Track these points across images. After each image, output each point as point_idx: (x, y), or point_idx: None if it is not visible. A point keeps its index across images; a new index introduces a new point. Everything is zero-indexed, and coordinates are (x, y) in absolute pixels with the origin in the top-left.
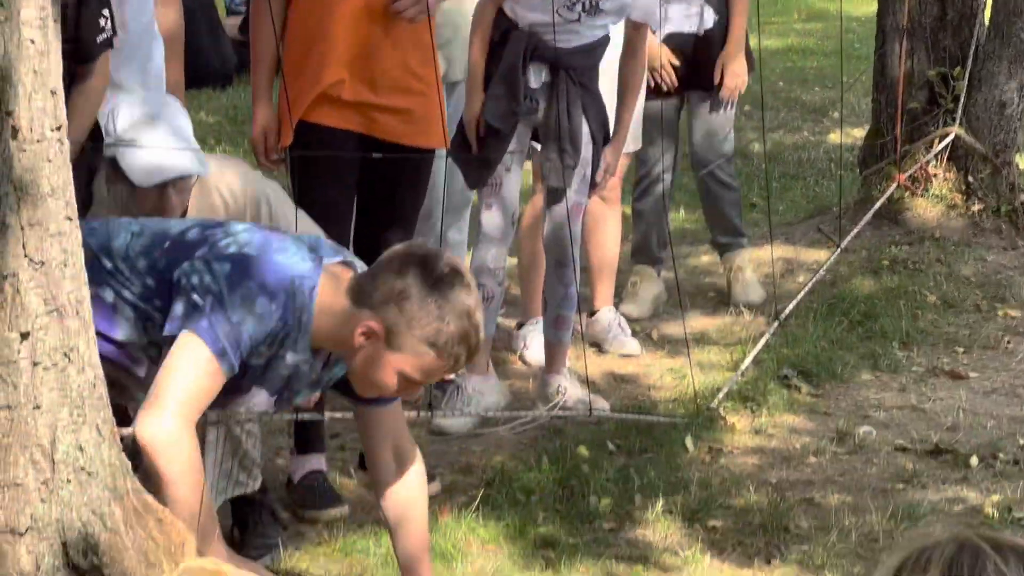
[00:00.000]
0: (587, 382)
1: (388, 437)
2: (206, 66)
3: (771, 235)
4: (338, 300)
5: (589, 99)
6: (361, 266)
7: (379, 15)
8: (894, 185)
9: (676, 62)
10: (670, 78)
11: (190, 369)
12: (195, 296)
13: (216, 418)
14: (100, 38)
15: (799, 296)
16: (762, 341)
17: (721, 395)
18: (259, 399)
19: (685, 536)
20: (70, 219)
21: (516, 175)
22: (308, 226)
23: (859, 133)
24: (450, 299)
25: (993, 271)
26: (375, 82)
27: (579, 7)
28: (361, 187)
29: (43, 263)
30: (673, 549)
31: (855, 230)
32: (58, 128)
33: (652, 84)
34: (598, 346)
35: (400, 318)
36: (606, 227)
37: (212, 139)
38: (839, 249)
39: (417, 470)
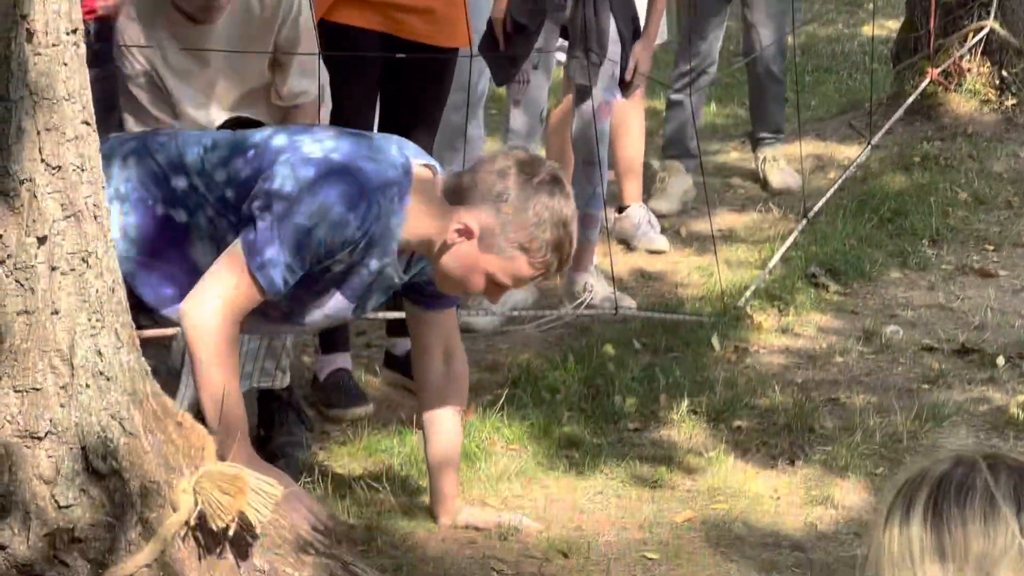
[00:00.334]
0: (613, 280)
1: (441, 340)
2: None
3: (800, 131)
4: (430, 200)
5: None
6: (438, 166)
7: None
8: (927, 80)
9: None
10: None
11: (231, 277)
12: (269, 201)
13: None
14: None
15: (828, 194)
16: (790, 239)
17: (748, 294)
18: (338, 304)
19: (709, 437)
20: (87, 123)
21: (544, 72)
22: None
23: (894, 25)
24: (548, 206)
25: None
26: None
27: None
28: (384, 86)
29: (60, 168)
30: (697, 450)
31: (886, 126)
32: (74, 31)
33: None
34: (626, 243)
35: (496, 219)
36: (630, 124)
37: None
38: (868, 145)
39: (463, 376)
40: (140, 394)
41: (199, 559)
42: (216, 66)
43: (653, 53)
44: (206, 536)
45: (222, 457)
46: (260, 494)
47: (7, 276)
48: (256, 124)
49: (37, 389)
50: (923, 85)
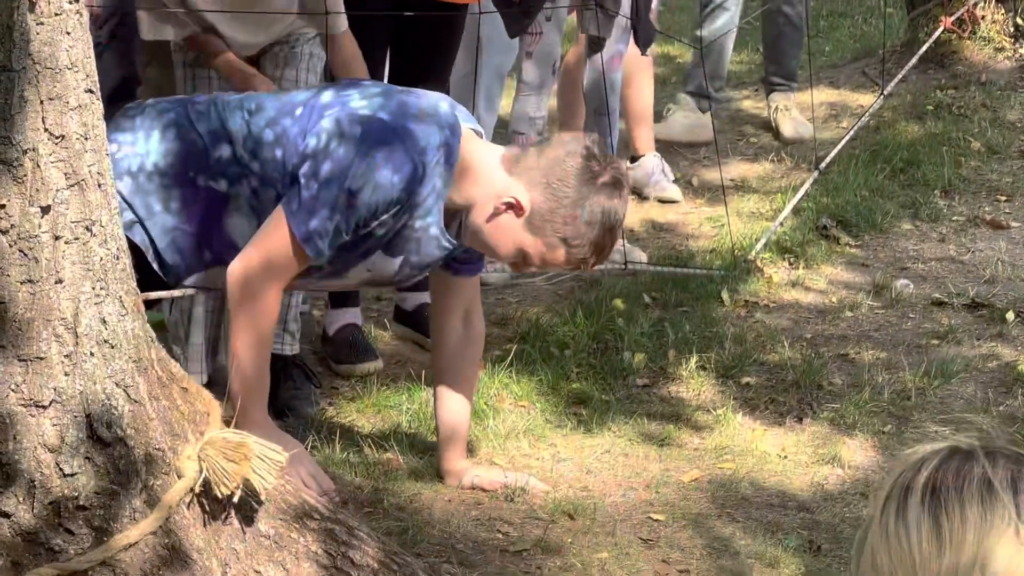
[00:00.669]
0: (623, 233)
1: (462, 303)
2: None
3: (811, 81)
4: (478, 163)
5: None
6: (478, 126)
7: None
8: (940, 29)
9: None
10: None
11: (277, 245)
12: (316, 164)
13: None
14: None
15: (840, 144)
16: (802, 190)
17: (759, 246)
18: (382, 261)
19: (718, 393)
20: (91, 91)
21: (556, 25)
22: None
23: None
24: (603, 208)
25: None
26: None
27: None
28: (394, 42)
29: (63, 137)
30: (705, 407)
31: (899, 75)
32: (76, 0)
33: None
34: (638, 193)
35: (549, 205)
36: (641, 74)
37: None
38: (881, 95)
39: (480, 339)
40: (145, 361)
41: (204, 525)
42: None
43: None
44: (211, 502)
45: (228, 422)
46: (265, 461)
47: (10, 246)
48: None
49: (41, 358)
50: (936, 33)
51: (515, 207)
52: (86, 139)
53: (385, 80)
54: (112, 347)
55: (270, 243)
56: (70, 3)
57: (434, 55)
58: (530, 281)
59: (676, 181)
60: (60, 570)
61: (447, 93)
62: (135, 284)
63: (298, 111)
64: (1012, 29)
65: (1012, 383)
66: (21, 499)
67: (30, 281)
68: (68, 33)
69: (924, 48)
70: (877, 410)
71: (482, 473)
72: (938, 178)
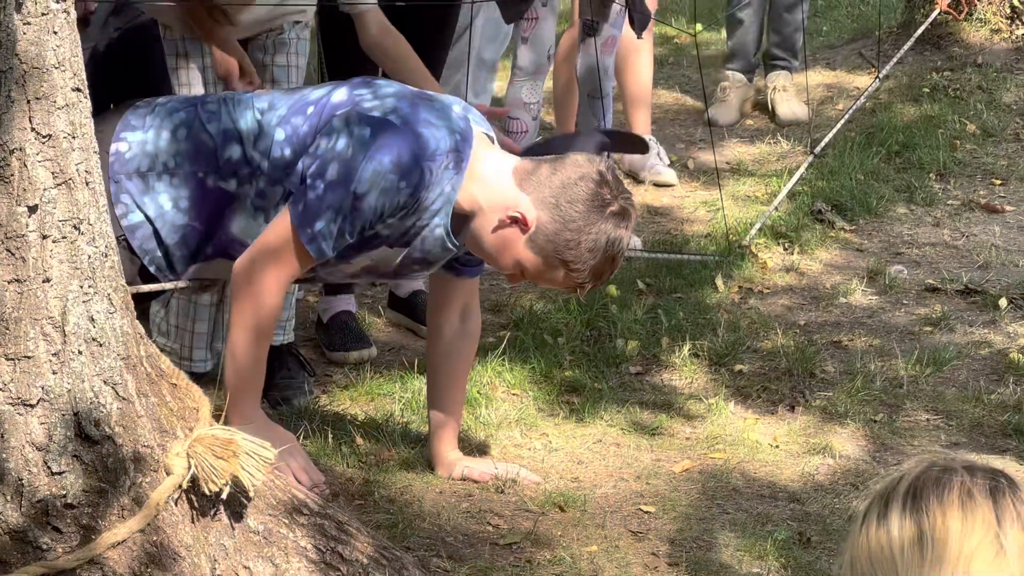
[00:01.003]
0: None
1: (461, 298)
2: None
3: (806, 63)
4: (498, 172)
5: None
6: (491, 131)
7: None
8: (936, 11)
9: None
10: None
11: (282, 245)
12: (324, 165)
13: None
14: None
15: (835, 128)
16: (797, 175)
17: (754, 231)
18: (387, 254)
19: (711, 381)
20: (78, 90)
21: (551, 10)
22: None
23: None
24: (608, 237)
25: None
26: None
27: None
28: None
29: (50, 136)
30: (698, 396)
31: (895, 58)
32: None
33: None
34: (634, 177)
35: (553, 225)
36: (639, 58)
37: None
38: (877, 79)
39: (476, 334)
40: (134, 358)
41: (192, 522)
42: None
43: None
44: (200, 498)
45: (218, 417)
46: (254, 457)
47: None
48: None
49: (29, 357)
50: (933, 15)
51: (520, 222)
52: (73, 138)
53: (380, 72)
54: (100, 345)
55: (276, 242)
56: (57, 2)
57: (427, 45)
58: None
59: (672, 164)
60: (48, 568)
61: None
62: (124, 281)
63: (309, 110)
64: (1008, 11)
65: (1004, 371)
66: (9, 498)
67: (17, 280)
68: (55, 32)
69: (920, 30)
70: (869, 399)
71: (472, 464)
72: (933, 161)
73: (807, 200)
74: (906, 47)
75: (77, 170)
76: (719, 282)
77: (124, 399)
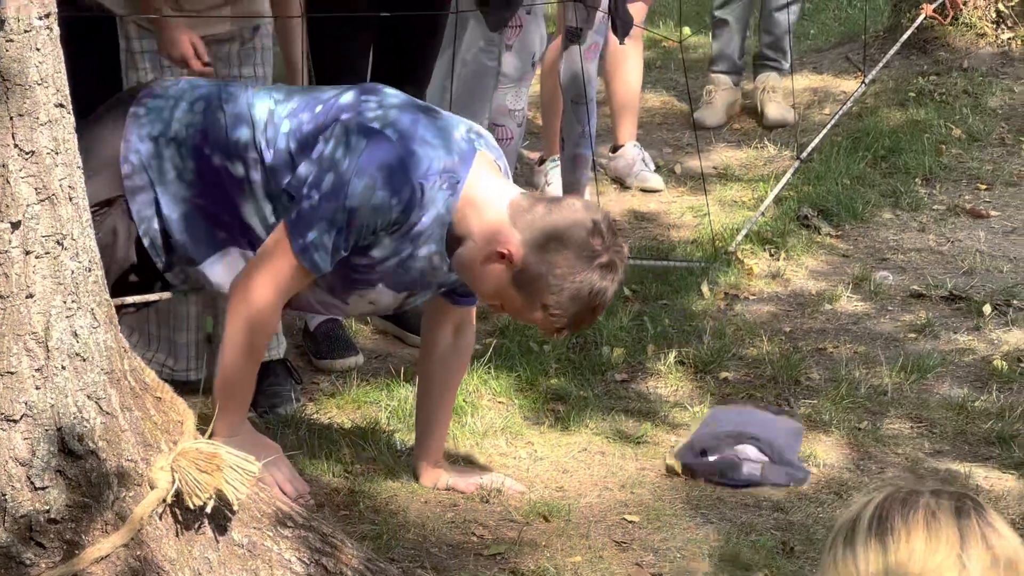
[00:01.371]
0: None
1: (456, 316)
2: None
3: (792, 69)
4: (494, 204)
5: None
6: (502, 159)
7: None
8: (922, 16)
9: None
10: None
11: (278, 258)
12: (320, 176)
13: None
14: None
15: (822, 133)
16: (783, 180)
17: (740, 237)
18: (385, 298)
19: (696, 389)
20: (61, 106)
21: (537, 17)
22: None
23: None
24: (592, 287)
25: (1020, 103)
26: None
27: None
28: (377, 41)
29: (33, 152)
30: (683, 403)
31: (882, 62)
32: (47, 15)
33: None
34: (620, 183)
35: (538, 268)
36: (628, 64)
37: None
38: (863, 84)
39: (468, 349)
40: (118, 372)
41: (176, 535)
42: None
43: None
44: (184, 512)
45: (203, 431)
46: (238, 471)
47: None
48: None
49: (12, 372)
50: (919, 20)
51: (508, 259)
52: (57, 154)
53: (367, 78)
54: (84, 360)
55: (271, 253)
56: (40, 19)
57: (416, 54)
58: None
59: (659, 169)
60: None
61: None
62: (108, 296)
63: (318, 108)
64: (994, 15)
65: (988, 378)
66: None
67: (0, 296)
68: (38, 49)
69: (907, 34)
70: (854, 406)
71: (457, 475)
72: (919, 166)
73: (793, 205)
74: (892, 51)
75: (60, 186)
76: (705, 289)
77: (108, 413)
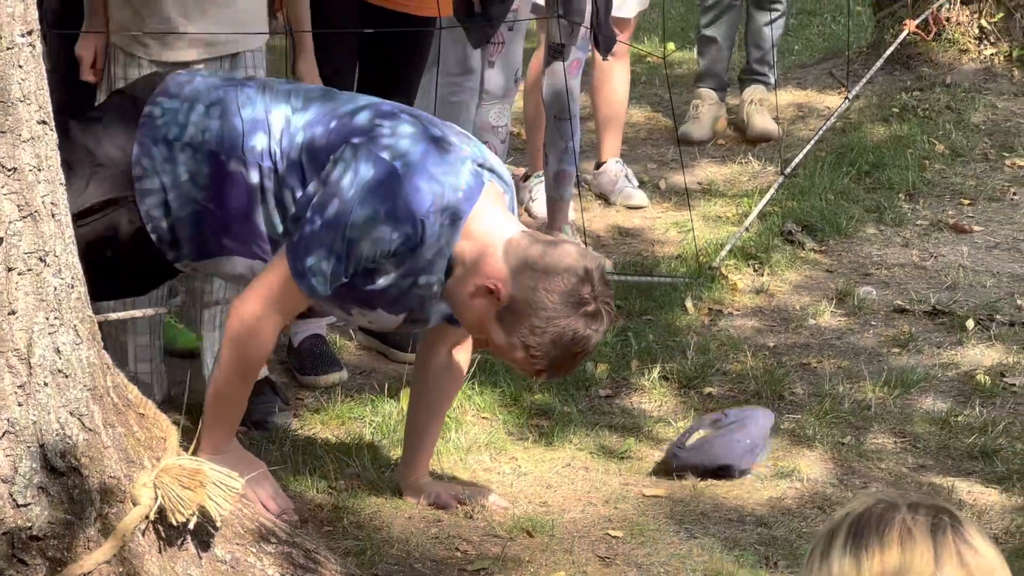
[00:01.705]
0: (585, 238)
1: (453, 338)
2: None
3: (776, 84)
4: (493, 239)
5: None
6: (510, 191)
7: None
8: (905, 32)
9: None
10: None
11: (278, 281)
12: (324, 199)
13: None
14: None
15: (806, 148)
16: (767, 196)
17: (724, 253)
18: (385, 319)
19: (680, 404)
20: (43, 123)
21: (519, 33)
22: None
23: None
24: (575, 334)
25: (1003, 119)
26: None
27: None
28: (363, 53)
29: (15, 169)
30: (667, 419)
31: (865, 78)
32: (29, 33)
33: None
34: (604, 199)
35: (524, 308)
36: (614, 80)
37: None
38: (847, 100)
39: (463, 368)
40: (100, 389)
41: (159, 552)
42: None
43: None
44: (167, 528)
45: (186, 447)
46: (221, 487)
47: None
48: None
49: None
50: (902, 36)
51: (495, 293)
52: (39, 170)
53: (354, 84)
54: (66, 376)
55: (271, 277)
56: (22, 36)
57: (401, 68)
58: None
59: (644, 185)
60: None
61: (412, 105)
62: (91, 312)
63: (332, 124)
64: (977, 31)
65: (971, 393)
66: None
67: None
68: (20, 66)
69: (890, 50)
70: (837, 421)
71: (442, 490)
72: (903, 181)
73: (777, 221)
74: (876, 67)
75: (43, 202)
76: (689, 304)
77: (90, 430)
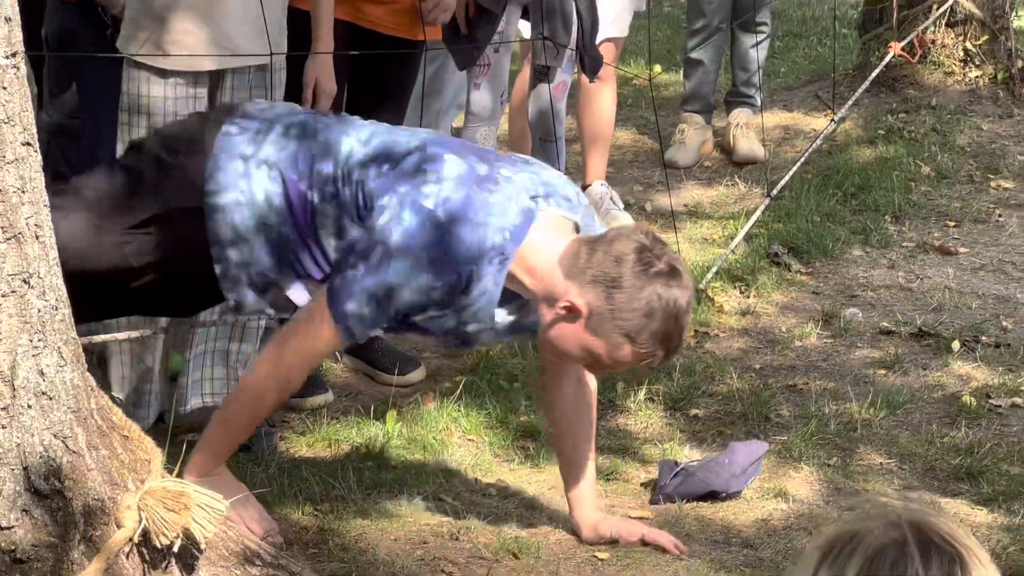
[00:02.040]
0: None
1: (571, 374)
2: None
3: (762, 106)
4: (548, 262)
5: None
6: (583, 221)
7: None
8: (890, 54)
9: None
10: None
11: (315, 325)
12: (368, 246)
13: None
14: None
15: (792, 170)
16: (753, 218)
17: (710, 275)
18: (439, 342)
19: (666, 426)
20: (27, 144)
21: (505, 55)
22: None
23: None
24: (661, 296)
25: (988, 140)
26: None
27: None
28: (352, 74)
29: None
30: (653, 440)
31: (851, 100)
32: (13, 55)
33: None
34: None
35: (606, 304)
36: (600, 101)
37: None
38: (833, 122)
39: (592, 399)
40: (84, 411)
41: (144, 574)
42: None
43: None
44: (151, 551)
45: (170, 469)
46: (205, 509)
47: None
48: None
49: None
50: (888, 58)
51: (572, 311)
52: (23, 192)
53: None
54: (50, 399)
55: (310, 320)
56: (6, 58)
57: (390, 90)
58: None
59: (630, 207)
60: None
61: (402, 123)
62: (75, 334)
63: (384, 166)
64: (962, 54)
65: (957, 414)
66: None
67: None
68: (4, 88)
69: (875, 72)
70: (823, 443)
71: (620, 525)
72: (888, 203)
73: (763, 243)
74: (861, 89)
75: (27, 224)
76: None
77: (74, 452)
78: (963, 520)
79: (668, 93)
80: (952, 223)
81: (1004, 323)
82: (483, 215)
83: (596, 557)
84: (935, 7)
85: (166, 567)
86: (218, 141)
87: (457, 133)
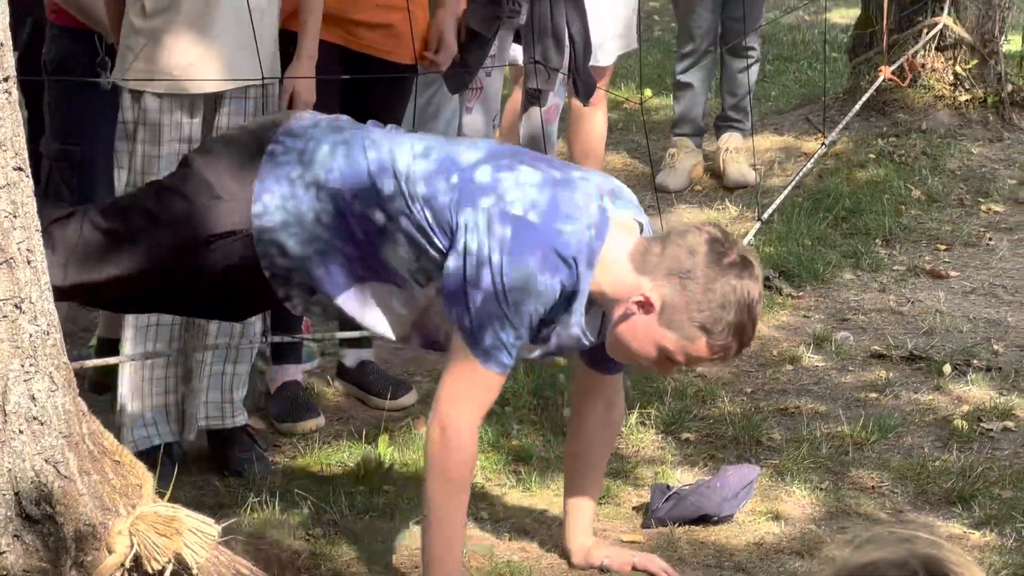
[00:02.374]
0: None
1: (606, 392)
2: None
3: (753, 129)
4: (619, 260)
5: (571, 2)
6: (646, 223)
7: None
8: (880, 78)
9: None
10: None
11: (468, 375)
12: (476, 272)
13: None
14: None
15: (783, 194)
16: (744, 242)
17: None
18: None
19: (658, 449)
20: (19, 169)
21: (497, 79)
22: None
23: (855, 14)
24: (735, 287)
25: (978, 164)
26: None
27: None
28: (344, 97)
29: None
30: (645, 463)
31: (841, 124)
32: (5, 80)
33: None
34: None
35: (680, 297)
36: (591, 125)
37: None
38: (823, 146)
39: (618, 424)
40: (76, 436)
41: None
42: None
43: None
44: None
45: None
46: (197, 534)
47: None
48: None
49: None
50: (877, 82)
51: (646, 305)
52: (15, 217)
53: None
54: (42, 424)
55: (459, 374)
56: None
57: (383, 111)
58: None
59: None
60: None
61: None
62: (67, 359)
63: (453, 178)
64: (952, 77)
65: (948, 438)
66: None
67: None
68: None
69: (866, 96)
70: (815, 466)
71: (612, 553)
72: (879, 227)
73: None
74: (852, 113)
75: (19, 249)
76: None
77: (66, 478)
78: (955, 544)
79: (659, 117)
80: (943, 247)
81: (995, 346)
82: (572, 211)
83: None
84: (925, 31)
85: None
86: (264, 163)
87: None
